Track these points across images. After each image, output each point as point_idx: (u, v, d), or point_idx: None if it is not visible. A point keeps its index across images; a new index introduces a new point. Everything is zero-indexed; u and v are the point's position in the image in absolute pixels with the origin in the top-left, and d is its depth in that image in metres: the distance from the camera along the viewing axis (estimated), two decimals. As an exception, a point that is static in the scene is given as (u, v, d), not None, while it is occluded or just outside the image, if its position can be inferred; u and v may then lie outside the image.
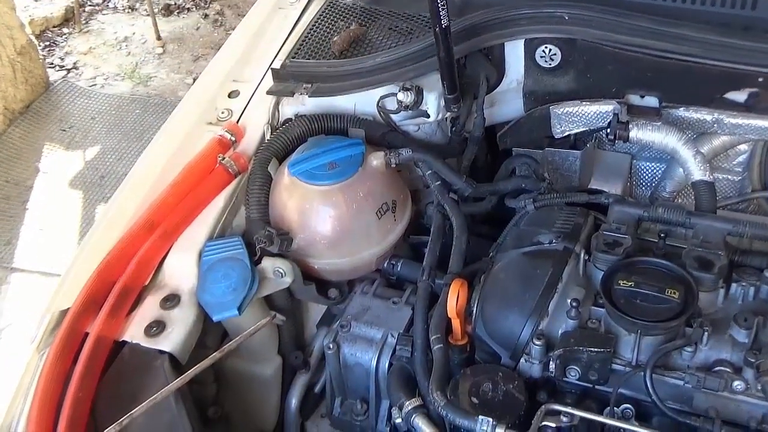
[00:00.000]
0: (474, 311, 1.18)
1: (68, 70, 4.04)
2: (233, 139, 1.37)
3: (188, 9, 4.31)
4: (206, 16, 4.24)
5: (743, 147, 1.47)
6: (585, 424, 1.05)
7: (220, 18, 4.24)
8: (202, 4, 4.33)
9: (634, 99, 1.35)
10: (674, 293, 1.06)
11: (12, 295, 2.91)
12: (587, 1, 1.32)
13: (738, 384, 1.02)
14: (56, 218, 3.21)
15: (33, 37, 3.82)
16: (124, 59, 4.04)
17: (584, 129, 1.39)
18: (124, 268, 1.21)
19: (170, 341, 1.15)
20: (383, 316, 1.29)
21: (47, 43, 4.14)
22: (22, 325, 2.70)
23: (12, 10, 3.61)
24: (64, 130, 3.66)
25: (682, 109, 1.33)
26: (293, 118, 1.42)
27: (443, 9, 1.16)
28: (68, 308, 1.17)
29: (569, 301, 1.10)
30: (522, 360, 1.13)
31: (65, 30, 4.27)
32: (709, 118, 1.32)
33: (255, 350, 1.32)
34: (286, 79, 1.43)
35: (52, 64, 4.06)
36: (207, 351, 1.25)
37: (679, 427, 1.05)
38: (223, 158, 1.33)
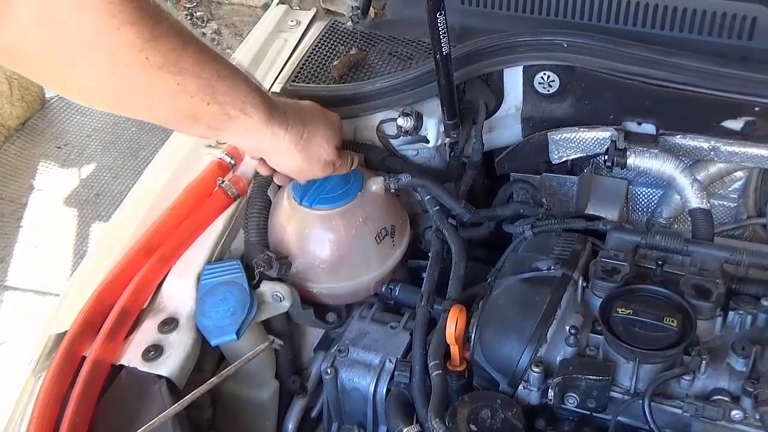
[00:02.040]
0: (472, 337, 1.18)
1: (64, 88, 4.03)
2: (233, 162, 1.37)
3: (185, 28, 4.33)
4: (203, 35, 4.25)
5: (739, 174, 1.49)
6: (583, 452, 1.05)
7: (217, 37, 4.26)
8: (199, 24, 4.35)
9: (632, 126, 1.36)
10: (672, 321, 1.06)
11: (6, 313, 2.89)
12: (586, 30, 1.34)
13: (736, 413, 1.02)
14: (51, 236, 3.21)
15: (30, 54, 3.81)
16: (121, 77, 4.05)
17: (582, 155, 1.40)
18: (122, 291, 1.20)
19: (168, 366, 1.14)
20: (381, 341, 1.29)
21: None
22: (16, 344, 2.69)
23: (9, 27, 3.61)
24: (60, 148, 3.66)
25: (679, 136, 1.34)
26: (293, 142, 1.43)
27: (444, 36, 1.17)
28: (65, 331, 1.16)
29: (568, 328, 1.10)
30: (520, 387, 1.13)
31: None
32: (705, 145, 1.33)
33: (252, 374, 1.31)
34: (286, 102, 1.44)
35: (48, 81, 4.06)
36: (204, 375, 1.24)
37: (677, 456, 1.06)
38: (223, 181, 1.33)
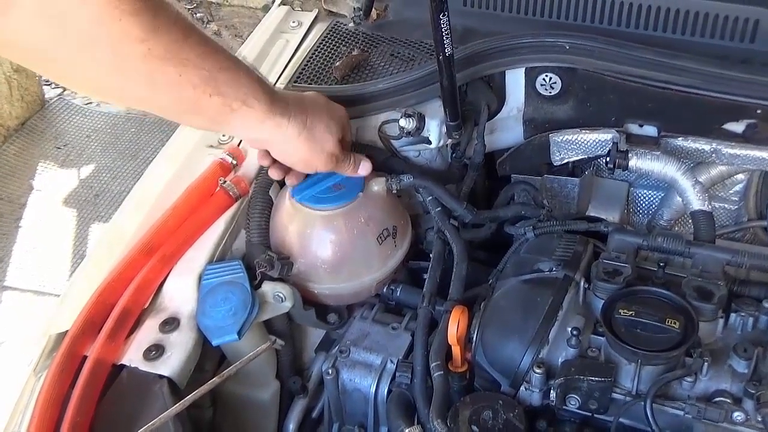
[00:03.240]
0: (474, 338, 1.18)
1: (64, 88, 4.04)
2: (234, 162, 1.37)
3: (185, 29, 4.33)
4: (203, 36, 4.25)
5: (740, 177, 1.49)
6: (585, 453, 1.05)
7: (217, 39, 4.25)
8: (200, 25, 4.35)
9: (633, 128, 1.36)
10: (674, 323, 1.06)
11: (4, 313, 2.89)
12: (588, 32, 1.34)
13: (738, 415, 1.02)
14: (50, 236, 3.20)
15: (29, 55, 3.81)
16: (121, 78, 4.04)
17: (583, 157, 1.40)
18: (123, 290, 1.20)
19: (169, 365, 1.14)
20: (382, 342, 1.28)
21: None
22: (15, 344, 2.68)
23: (9, 28, 3.61)
24: (59, 148, 3.66)
25: (680, 138, 1.34)
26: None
27: (447, 38, 1.18)
28: (66, 331, 1.16)
29: (569, 329, 1.10)
30: (522, 388, 1.13)
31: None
32: (707, 148, 1.33)
33: (253, 374, 1.31)
34: (288, 103, 1.44)
35: (48, 81, 4.06)
36: (205, 375, 1.24)
37: (679, 457, 1.06)
38: (224, 181, 1.33)
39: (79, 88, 1.02)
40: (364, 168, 1.28)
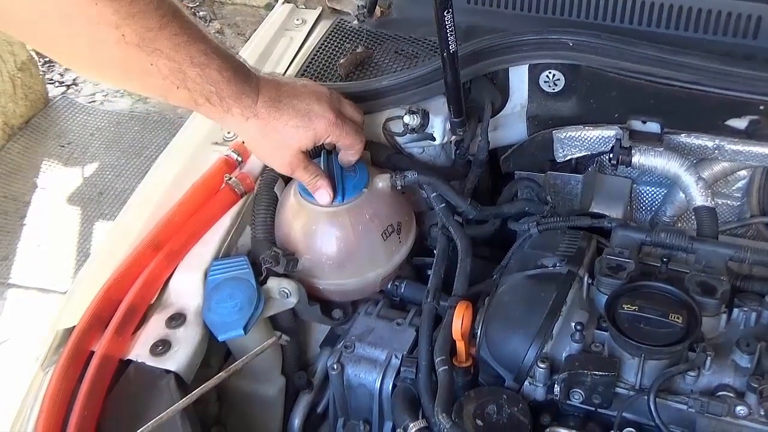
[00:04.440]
0: (478, 333, 1.19)
1: (68, 86, 4.05)
2: (239, 159, 1.38)
3: (188, 27, 4.34)
4: (206, 34, 4.26)
5: (743, 173, 1.49)
6: (589, 448, 1.06)
7: (220, 36, 4.26)
8: (203, 23, 4.35)
9: (636, 124, 1.36)
10: (678, 318, 1.07)
11: (9, 311, 2.90)
12: (591, 29, 1.35)
13: (741, 409, 1.03)
14: (54, 234, 3.21)
15: (33, 53, 3.83)
16: (124, 76, 4.05)
17: (586, 153, 1.41)
18: (130, 286, 1.21)
19: (176, 360, 1.15)
20: (387, 338, 1.29)
21: (47, 59, 4.15)
22: (20, 342, 2.69)
23: (13, 27, 3.62)
24: (63, 146, 3.67)
25: (683, 135, 1.35)
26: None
27: (451, 34, 1.18)
28: (74, 326, 1.17)
29: (573, 324, 1.10)
30: (526, 383, 1.13)
31: (65, 46, 4.27)
32: (710, 144, 1.34)
33: (258, 370, 1.32)
34: (293, 100, 1.44)
35: (51, 80, 4.08)
36: (210, 370, 1.25)
37: (682, 452, 1.06)
38: (230, 178, 1.34)
39: (59, 61, 1.07)
40: (320, 196, 1.25)
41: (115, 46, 0.96)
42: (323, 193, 1.24)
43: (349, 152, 1.27)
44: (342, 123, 1.22)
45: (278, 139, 1.18)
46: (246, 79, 1.13)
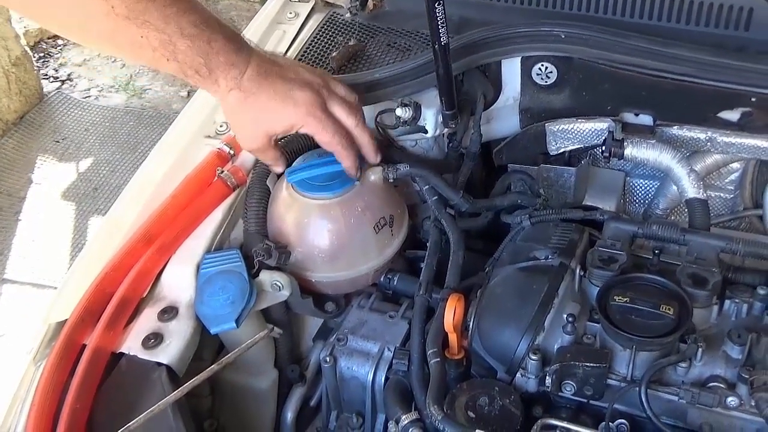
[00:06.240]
0: (470, 326, 1.19)
1: (62, 82, 4.05)
2: (232, 152, 1.38)
3: (183, 22, 4.32)
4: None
5: (735, 165, 1.49)
6: (580, 439, 1.06)
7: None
8: None
9: (629, 117, 1.37)
10: (669, 309, 1.07)
11: (4, 306, 2.90)
12: (584, 21, 1.35)
13: (732, 400, 1.03)
14: (49, 230, 3.21)
15: (28, 48, 3.83)
16: (119, 71, 4.05)
17: (579, 146, 1.41)
18: (122, 280, 1.21)
19: (168, 353, 1.15)
20: (380, 330, 1.29)
21: (42, 55, 4.15)
22: (14, 336, 2.69)
23: (7, 21, 3.62)
24: (58, 142, 3.66)
25: (676, 127, 1.35)
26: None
27: (443, 27, 1.18)
28: (65, 320, 1.17)
29: (565, 316, 1.10)
30: (518, 374, 1.14)
31: (60, 41, 4.28)
32: (702, 136, 1.34)
33: (251, 363, 1.32)
34: (285, 93, 1.44)
35: (46, 75, 4.07)
36: (203, 363, 1.25)
37: (673, 443, 1.06)
38: (222, 171, 1.33)
39: (51, 30, 1.07)
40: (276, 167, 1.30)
41: (104, 18, 0.96)
42: (278, 167, 1.30)
43: (343, 153, 1.24)
44: (324, 118, 1.19)
45: (253, 117, 1.18)
46: (237, 51, 1.12)
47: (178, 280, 1.24)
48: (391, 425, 1.15)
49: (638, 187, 1.62)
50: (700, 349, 1.05)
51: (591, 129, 1.38)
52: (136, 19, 0.98)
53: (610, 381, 1.08)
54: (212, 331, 1.18)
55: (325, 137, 1.21)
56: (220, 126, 1.45)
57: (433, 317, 1.22)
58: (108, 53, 1.14)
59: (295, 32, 1.62)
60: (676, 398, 1.05)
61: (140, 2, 0.97)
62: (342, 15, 1.62)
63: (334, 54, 1.47)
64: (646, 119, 1.35)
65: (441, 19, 1.18)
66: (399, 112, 1.35)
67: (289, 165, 1.31)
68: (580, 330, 1.12)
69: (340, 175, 1.28)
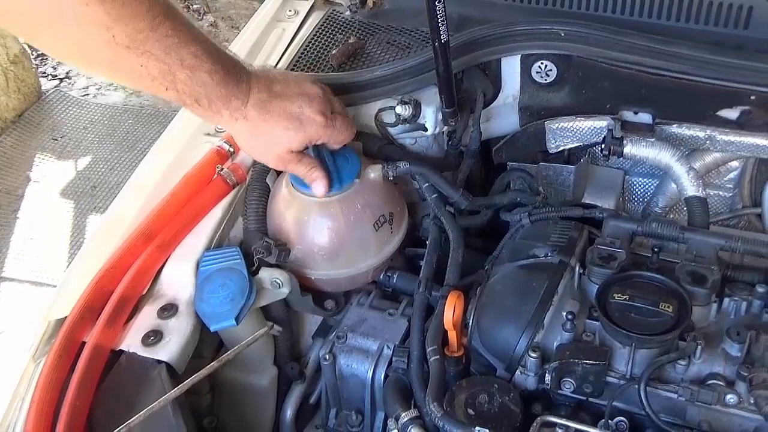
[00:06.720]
0: (470, 323, 1.19)
1: (61, 80, 4.04)
2: (231, 150, 1.38)
3: (182, 20, 4.32)
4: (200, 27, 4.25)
5: (734, 164, 1.49)
6: (580, 437, 1.06)
7: (213, 30, 4.25)
8: (196, 17, 4.34)
9: (628, 115, 1.37)
10: (668, 307, 1.07)
11: (2, 304, 2.90)
12: (583, 19, 1.35)
13: (731, 397, 1.03)
14: (47, 228, 3.21)
15: (26, 46, 3.82)
16: (118, 69, 4.03)
17: (578, 144, 1.41)
18: (121, 277, 1.21)
19: (167, 351, 1.15)
20: (379, 328, 1.29)
21: (40, 52, 4.14)
22: (13, 334, 2.69)
23: (6, 20, 3.60)
24: (56, 140, 3.66)
25: (675, 125, 1.35)
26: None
27: (443, 24, 1.18)
28: (65, 317, 1.17)
29: (565, 314, 1.11)
30: (517, 372, 1.14)
31: (59, 40, 4.26)
32: (701, 134, 1.34)
33: (251, 361, 1.32)
34: (285, 91, 1.44)
35: (44, 73, 4.06)
36: (203, 361, 1.25)
37: (672, 440, 1.07)
38: (222, 169, 1.33)
39: (50, 54, 1.08)
40: (316, 187, 1.24)
41: (105, 46, 0.96)
42: (319, 185, 1.24)
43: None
44: (333, 123, 1.21)
45: (268, 140, 1.18)
46: (237, 81, 1.12)
47: (178, 278, 1.24)
48: (391, 423, 1.15)
49: (637, 185, 1.62)
50: (699, 347, 1.05)
51: (590, 127, 1.38)
52: (136, 48, 0.98)
53: (609, 378, 1.09)
54: (212, 328, 1.18)
55: (339, 138, 1.25)
56: (220, 124, 1.44)
57: (433, 315, 1.22)
58: (107, 79, 1.14)
59: (295, 30, 1.62)
60: (675, 396, 1.05)
61: (141, 32, 0.97)
62: (342, 13, 1.62)
63: (333, 52, 1.47)
64: (645, 117, 1.36)
65: (441, 16, 1.17)
66: (399, 109, 1.35)
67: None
68: (579, 327, 1.12)
69: (341, 172, 1.28)
